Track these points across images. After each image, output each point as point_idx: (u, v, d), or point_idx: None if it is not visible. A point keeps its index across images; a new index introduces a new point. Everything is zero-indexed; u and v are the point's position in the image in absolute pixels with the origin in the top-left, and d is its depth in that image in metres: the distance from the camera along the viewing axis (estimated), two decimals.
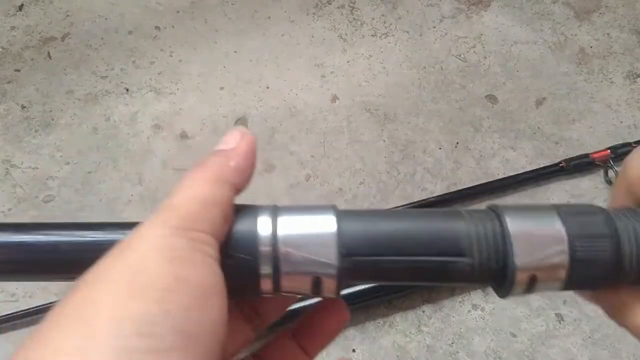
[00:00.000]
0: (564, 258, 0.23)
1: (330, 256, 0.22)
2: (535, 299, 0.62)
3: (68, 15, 0.84)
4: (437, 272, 0.23)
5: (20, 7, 0.85)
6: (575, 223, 0.23)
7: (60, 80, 0.78)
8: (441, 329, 0.60)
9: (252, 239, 0.22)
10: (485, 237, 0.23)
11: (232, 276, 0.22)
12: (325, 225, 0.23)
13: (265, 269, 0.22)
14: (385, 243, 0.23)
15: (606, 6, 0.82)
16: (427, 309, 0.61)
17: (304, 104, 0.75)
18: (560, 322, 0.61)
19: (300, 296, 0.24)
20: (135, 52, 0.80)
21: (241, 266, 0.22)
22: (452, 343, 0.60)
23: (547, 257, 0.23)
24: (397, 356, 0.59)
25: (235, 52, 0.80)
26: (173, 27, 0.83)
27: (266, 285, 0.22)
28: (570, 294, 0.62)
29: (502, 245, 0.23)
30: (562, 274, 0.23)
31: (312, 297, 0.23)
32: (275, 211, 0.23)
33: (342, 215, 0.23)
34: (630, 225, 0.23)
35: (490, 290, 0.63)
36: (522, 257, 0.23)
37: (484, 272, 0.23)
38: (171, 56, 0.80)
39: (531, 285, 0.23)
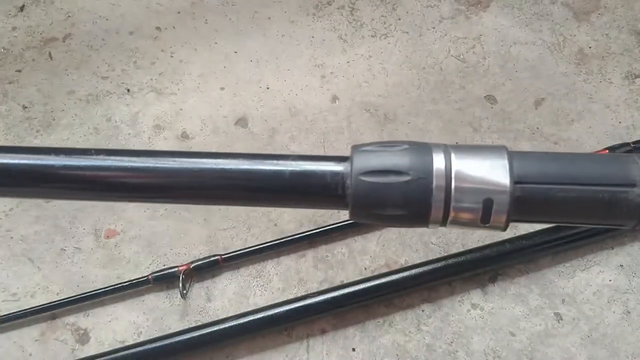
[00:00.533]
0: None
1: (502, 182, 0.23)
2: (534, 299, 0.62)
3: (69, 16, 0.84)
4: (608, 204, 0.23)
5: (22, 8, 0.85)
6: None
7: (61, 80, 0.79)
8: (440, 328, 0.61)
9: (428, 171, 0.23)
10: None
11: (406, 209, 0.23)
12: (496, 156, 0.23)
13: (438, 201, 0.23)
14: (556, 172, 0.23)
15: (605, 7, 0.83)
16: (427, 308, 0.62)
17: (304, 104, 0.76)
18: (559, 322, 0.61)
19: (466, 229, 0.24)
20: (136, 53, 0.81)
21: (414, 199, 0.23)
22: (451, 342, 0.60)
23: None
24: (397, 355, 0.59)
25: (236, 52, 0.81)
26: (174, 27, 0.83)
27: (437, 214, 0.23)
28: (570, 292, 0.62)
29: None
30: None
31: (479, 228, 0.24)
32: (447, 148, 0.24)
33: (512, 152, 0.24)
34: None
35: (489, 289, 0.63)
36: None
37: None
38: (172, 57, 0.80)
39: None
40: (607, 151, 0.67)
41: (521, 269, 0.64)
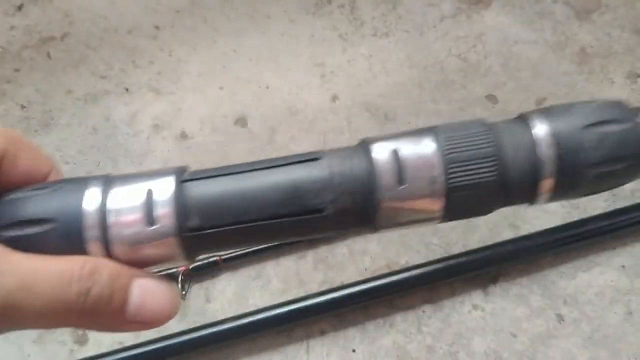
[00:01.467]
0: (439, 187, 0.20)
1: (164, 179, 0.20)
2: (536, 299, 0.62)
3: (67, 15, 0.84)
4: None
5: (20, 7, 0.84)
6: (450, 142, 0.20)
7: (59, 80, 0.78)
8: (441, 329, 0.60)
9: (77, 209, 0.20)
10: (343, 174, 0.21)
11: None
12: (160, 175, 0.21)
13: (92, 232, 0.20)
14: (226, 172, 0.21)
15: (607, 6, 0.82)
16: (428, 308, 0.61)
17: (304, 104, 0.75)
18: (560, 323, 0.60)
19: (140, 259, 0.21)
20: (134, 52, 0.80)
21: (65, 249, 0.20)
22: (452, 343, 0.60)
23: (417, 188, 0.20)
24: (397, 356, 0.59)
25: (235, 51, 0.80)
26: (172, 26, 0.83)
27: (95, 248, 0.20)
28: (571, 293, 0.62)
29: (366, 179, 0.21)
30: (438, 205, 0.20)
31: (147, 234, 0.20)
32: (107, 181, 0.21)
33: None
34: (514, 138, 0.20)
35: (490, 290, 0.63)
36: (386, 190, 0.20)
37: (345, 201, 0.21)
38: (171, 56, 0.80)
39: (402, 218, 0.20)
40: None
41: (523, 270, 0.63)
